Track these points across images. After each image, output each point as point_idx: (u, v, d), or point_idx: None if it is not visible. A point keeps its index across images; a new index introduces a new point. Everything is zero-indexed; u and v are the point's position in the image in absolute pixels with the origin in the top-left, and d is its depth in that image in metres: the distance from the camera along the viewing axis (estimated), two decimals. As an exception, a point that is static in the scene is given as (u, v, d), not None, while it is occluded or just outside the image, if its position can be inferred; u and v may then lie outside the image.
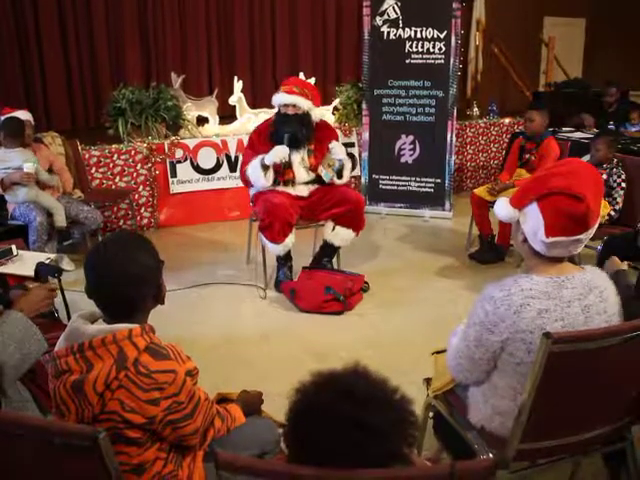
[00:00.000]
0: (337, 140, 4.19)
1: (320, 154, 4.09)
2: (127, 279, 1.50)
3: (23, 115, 4.52)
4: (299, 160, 3.99)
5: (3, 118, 4.40)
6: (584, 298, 1.68)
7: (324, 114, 3.95)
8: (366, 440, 1.01)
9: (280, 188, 4.02)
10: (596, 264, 3.47)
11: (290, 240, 3.98)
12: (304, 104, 3.91)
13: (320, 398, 1.05)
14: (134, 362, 1.44)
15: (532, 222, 1.69)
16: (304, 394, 1.08)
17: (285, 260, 4.16)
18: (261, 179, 3.92)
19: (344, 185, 4.14)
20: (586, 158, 4.07)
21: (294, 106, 3.92)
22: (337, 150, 4.10)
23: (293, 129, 3.92)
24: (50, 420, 1.56)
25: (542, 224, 1.66)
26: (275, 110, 4.11)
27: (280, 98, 3.98)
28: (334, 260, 4.30)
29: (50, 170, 4.55)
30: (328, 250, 4.22)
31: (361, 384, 1.07)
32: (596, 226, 1.69)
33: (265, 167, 3.91)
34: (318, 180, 4.08)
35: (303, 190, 4.06)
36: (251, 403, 1.95)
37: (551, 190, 1.65)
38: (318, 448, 1.03)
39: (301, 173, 4.02)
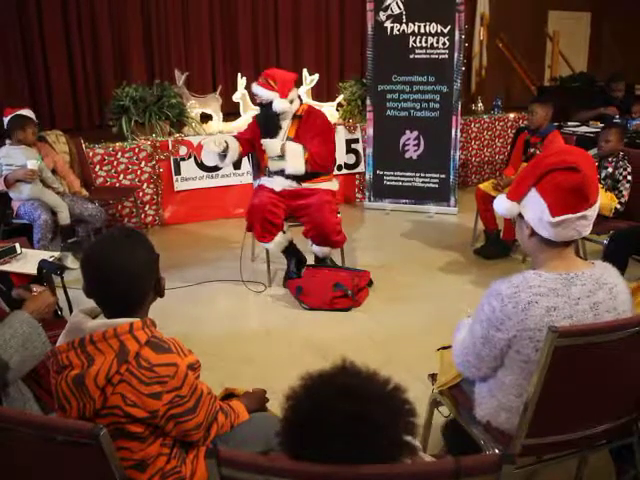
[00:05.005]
0: (324, 135, 3.99)
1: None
2: (125, 276, 1.49)
3: (31, 114, 4.54)
4: (273, 148, 3.98)
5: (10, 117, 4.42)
6: (593, 295, 1.65)
7: (286, 107, 3.90)
8: (369, 434, 1.00)
9: (264, 179, 4.14)
10: (602, 259, 3.47)
11: (281, 238, 4.00)
12: (264, 94, 3.94)
13: (316, 401, 1.03)
14: (135, 356, 1.43)
15: (534, 208, 1.67)
16: (298, 400, 1.06)
17: (288, 255, 4.17)
18: (209, 155, 4.21)
19: (321, 203, 3.92)
20: (592, 152, 4.04)
21: (258, 96, 4.01)
22: (270, 147, 3.98)
23: (260, 117, 4.10)
24: (51, 417, 1.55)
25: (545, 206, 1.64)
26: None
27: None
28: (338, 256, 4.28)
29: (53, 171, 4.55)
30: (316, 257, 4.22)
31: (354, 380, 1.05)
32: (598, 202, 1.67)
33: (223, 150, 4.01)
34: (296, 177, 4.00)
35: (280, 183, 4.03)
36: (255, 400, 1.94)
37: (545, 169, 1.64)
38: (322, 450, 1.01)
39: (273, 162, 4.03)
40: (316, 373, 1.07)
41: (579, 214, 1.63)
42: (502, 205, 1.78)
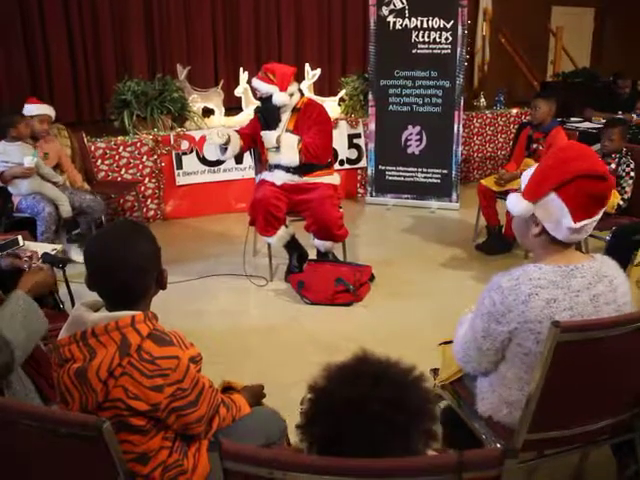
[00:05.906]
0: (320, 125, 4.00)
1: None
2: (127, 268, 1.49)
3: (41, 109, 4.55)
4: (269, 140, 3.98)
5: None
6: (593, 287, 1.65)
7: (286, 100, 3.93)
8: (408, 422, 1.00)
9: (265, 173, 4.14)
10: (604, 254, 3.46)
11: (283, 232, 4.01)
12: (264, 88, 3.95)
13: (349, 390, 1.02)
14: (137, 349, 1.43)
15: (553, 212, 1.65)
16: (324, 391, 1.05)
17: (289, 250, 4.17)
18: (211, 148, 4.37)
19: (323, 198, 3.93)
20: (595, 147, 4.03)
21: (258, 90, 4.03)
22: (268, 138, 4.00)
23: (259, 110, 4.09)
24: (54, 410, 1.55)
25: (567, 211, 1.62)
26: None
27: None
28: (340, 251, 4.28)
29: (56, 166, 4.54)
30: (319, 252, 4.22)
31: (382, 368, 1.05)
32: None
33: (225, 142, 3.98)
34: (296, 170, 4.01)
35: (281, 177, 4.03)
36: (253, 395, 1.95)
37: (574, 175, 1.61)
38: (359, 439, 1.00)
39: (271, 155, 4.03)
40: (339, 364, 1.06)
41: (594, 218, 1.64)
42: (519, 206, 1.72)
